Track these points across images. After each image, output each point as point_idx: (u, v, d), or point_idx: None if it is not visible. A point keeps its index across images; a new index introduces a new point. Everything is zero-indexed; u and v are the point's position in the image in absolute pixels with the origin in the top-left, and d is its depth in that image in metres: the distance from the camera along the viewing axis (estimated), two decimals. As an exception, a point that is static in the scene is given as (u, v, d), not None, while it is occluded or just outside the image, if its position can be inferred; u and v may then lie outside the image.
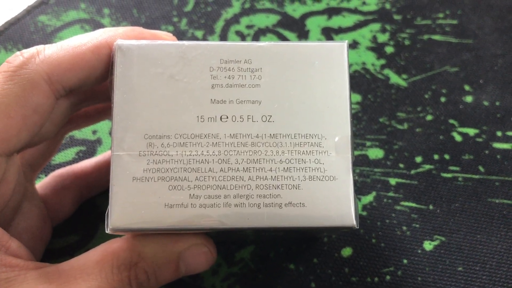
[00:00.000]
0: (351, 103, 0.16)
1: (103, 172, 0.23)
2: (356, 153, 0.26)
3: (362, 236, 0.24)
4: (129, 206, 0.15)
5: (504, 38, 0.30)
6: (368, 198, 0.25)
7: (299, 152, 0.16)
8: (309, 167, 0.15)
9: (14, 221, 0.19)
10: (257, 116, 0.16)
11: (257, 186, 0.15)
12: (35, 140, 0.18)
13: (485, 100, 0.28)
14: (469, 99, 0.28)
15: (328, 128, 0.16)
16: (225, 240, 0.23)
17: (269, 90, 0.16)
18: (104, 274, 0.16)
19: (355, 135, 0.27)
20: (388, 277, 0.23)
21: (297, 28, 0.30)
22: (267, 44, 0.16)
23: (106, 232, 0.15)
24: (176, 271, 0.17)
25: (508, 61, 0.29)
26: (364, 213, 0.24)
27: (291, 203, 0.15)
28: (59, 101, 0.18)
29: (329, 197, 0.15)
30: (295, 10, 0.31)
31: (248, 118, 0.16)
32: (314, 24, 0.31)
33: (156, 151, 0.16)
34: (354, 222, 0.15)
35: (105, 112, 0.22)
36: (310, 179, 0.15)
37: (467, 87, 0.28)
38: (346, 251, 0.23)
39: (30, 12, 0.31)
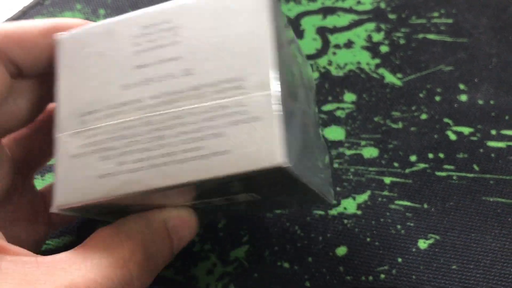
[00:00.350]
0: (277, 40, 0.15)
1: None
2: (351, 152, 0.26)
3: (356, 235, 0.24)
4: (69, 184, 0.16)
5: (498, 37, 0.30)
6: (362, 197, 0.25)
7: (221, 98, 0.15)
8: (232, 112, 0.15)
9: None
10: (178, 72, 0.16)
11: (181, 141, 0.15)
12: (7, 122, 0.18)
13: (479, 99, 0.28)
14: (463, 98, 0.28)
15: (250, 69, 0.15)
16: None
17: (189, 44, 0.16)
18: (89, 262, 0.15)
19: (350, 134, 0.27)
20: (382, 276, 0.23)
21: (292, 27, 0.31)
22: (185, 0, 0.16)
23: (51, 212, 0.16)
24: (168, 239, 0.17)
25: (502, 60, 0.29)
26: (359, 212, 0.24)
27: (216, 152, 0.15)
28: (27, 84, 0.18)
29: (255, 138, 0.14)
30: (290, 10, 0.31)
31: (168, 76, 0.16)
32: (309, 23, 0.31)
33: (88, 127, 0.16)
34: (283, 160, 0.14)
35: None
36: (234, 123, 0.15)
37: (461, 86, 0.28)
38: (341, 250, 0.24)
39: (25, 13, 0.32)
